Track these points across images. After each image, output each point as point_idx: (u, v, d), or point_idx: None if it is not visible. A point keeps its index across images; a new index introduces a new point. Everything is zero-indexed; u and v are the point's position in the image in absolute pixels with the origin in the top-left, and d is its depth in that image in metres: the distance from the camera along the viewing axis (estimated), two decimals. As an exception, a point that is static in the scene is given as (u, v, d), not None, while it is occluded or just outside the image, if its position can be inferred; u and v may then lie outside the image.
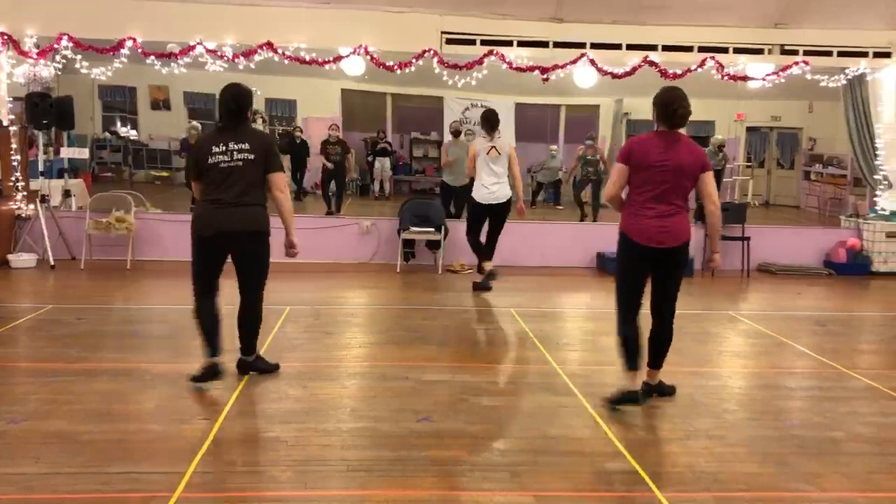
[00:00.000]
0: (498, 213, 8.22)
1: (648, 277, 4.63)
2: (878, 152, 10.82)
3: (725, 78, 10.34)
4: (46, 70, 10.05)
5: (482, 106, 18.32)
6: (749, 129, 19.79)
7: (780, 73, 10.44)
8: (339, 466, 3.74)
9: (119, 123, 19.56)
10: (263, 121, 18.32)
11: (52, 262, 9.20)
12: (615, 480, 3.68)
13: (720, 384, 5.33)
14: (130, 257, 9.34)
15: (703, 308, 8.02)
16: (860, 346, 6.85)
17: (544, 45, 10.17)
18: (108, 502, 3.31)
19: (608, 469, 3.80)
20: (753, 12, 10.09)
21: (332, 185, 13.45)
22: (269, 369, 5.16)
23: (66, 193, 10.24)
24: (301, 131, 16.38)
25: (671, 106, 4.50)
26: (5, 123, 9.51)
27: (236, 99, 4.83)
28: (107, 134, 19.15)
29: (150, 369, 5.23)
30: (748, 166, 19.77)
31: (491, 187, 8.10)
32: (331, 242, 10.12)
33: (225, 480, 3.54)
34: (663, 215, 4.49)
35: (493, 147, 8.10)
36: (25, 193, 9.76)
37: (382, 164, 17.93)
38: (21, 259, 9.24)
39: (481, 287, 8.32)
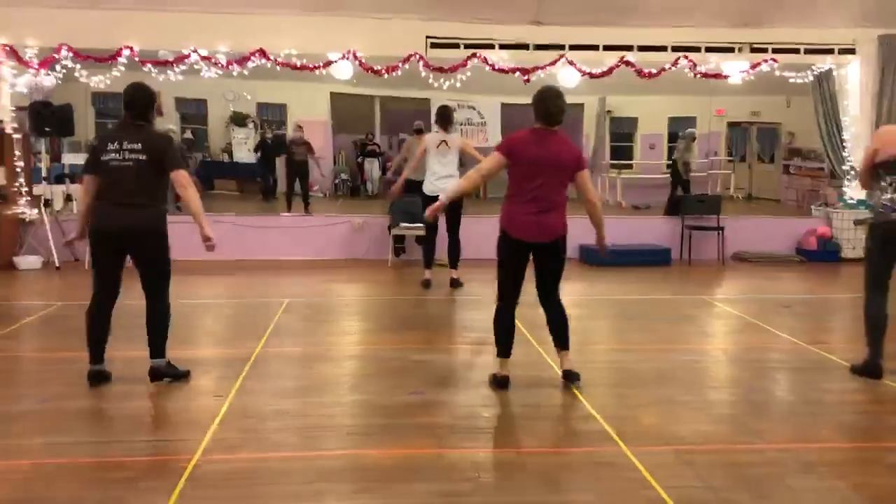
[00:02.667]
0: (450, 208, 8.45)
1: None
2: (845, 144, 11.34)
3: (698, 76, 10.84)
4: (48, 80, 10.45)
5: (469, 107, 18.87)
6: (730, 125, 20.32)
7: (751, 71, 10.94)
8: (339, 432, 4.18)
9: (112, 129, 19.86)
10: (255, 125, 18.74)
11: (58, 264, 9.61)
12: (586, 438, 4.13)
13: (688, 359, 5.78)
14: (132, 257, 9.71)
15: (678, 293, 8.51)
16: (822, 324, 7.33)
17: (525, 47, 10.62)
18: (136, 465, 3.73)
19: (580, 429, 4.26)
20: (723, 12, 10.57)
21: (297, 186, 13.73)
22: (180, 375, 5.04)
23: (68, 198, 10.62)
24: (271, 132, 16.80)
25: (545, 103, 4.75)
26: (8, 131, 9.90)
27: (138, 99, 4.87)
28: (101, 140, 19.44)
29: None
30: (729, 161, 20.30)
31: (439, 180, 8.25)
32: (324, 240, 10.58)
33: (238, 445, 3.97)
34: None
35: (443, 141, 8.36)
36: (29, 198, 10.16)
37: (371, 165, 18.39)
38: (27, 261, 9.64)
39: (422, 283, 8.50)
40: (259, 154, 16.88)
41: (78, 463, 3.74)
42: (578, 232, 10.74)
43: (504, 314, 4.94)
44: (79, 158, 11.54)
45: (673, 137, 19.85)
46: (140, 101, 4.89)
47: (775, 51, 10.89)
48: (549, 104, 4.73)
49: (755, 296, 8.65)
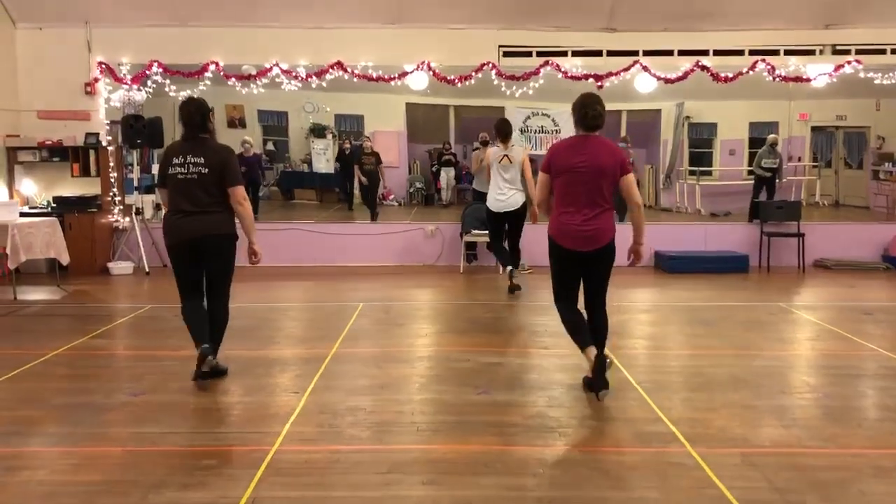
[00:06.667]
0: (513, 220, 8.53)
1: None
2: (935, 147, 10.91)
3: (777, 79, 10.61)
4: (139, 94, 11.05)
5: (543, 114, 18.91)
6: (814, 129, 19.70)
7: (833, 74, 10.65)
8: (409, 428, 4.32)
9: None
10: (334, 136, 19.23)
11: (147, 269, 10.14)
12: (653, 439, 4.15)
13: (761, 364, 5.69)
14: (216, 263, 10.15)
15: (755, 300, 8.36)
16: (906, 332, 7.08)
17: (598, 53, 10.63)
18: (220, 454, 3.96)
19: (647, 431, 4.28)
20: (803, 14, 10.34)
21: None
22: (223, 372, 5.33)
23: (158, 207, 11.17)
24: (349, 143, 17.05)
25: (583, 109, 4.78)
26: (104, 144, 10.50)
27: (194, 115, 5.08)
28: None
29: (240, 355, 5.89)
30: (814, 166, 19.67)
31: (504, 196, 8.38)
32: (398, 246, 10.83)
33: (313, 438, 4.16)
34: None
35: (505, 156, 8.37)
36: (122, 207, 10.75)
37: (448, 174, 18.62)
38: (119, 266, 10.19)
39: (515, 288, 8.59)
40: (338, 164, 17.30)
41: (165, 451, 4.00)
42: (654, 238, 10.81)
43: (565, 311, 5.02)
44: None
45: (754, 143, 19.40)
46: (196, 116, 5.09)
47: (859, 52, 10.58)
48: (588, 109, 4.76)
49: (835, 303, 8.42)
